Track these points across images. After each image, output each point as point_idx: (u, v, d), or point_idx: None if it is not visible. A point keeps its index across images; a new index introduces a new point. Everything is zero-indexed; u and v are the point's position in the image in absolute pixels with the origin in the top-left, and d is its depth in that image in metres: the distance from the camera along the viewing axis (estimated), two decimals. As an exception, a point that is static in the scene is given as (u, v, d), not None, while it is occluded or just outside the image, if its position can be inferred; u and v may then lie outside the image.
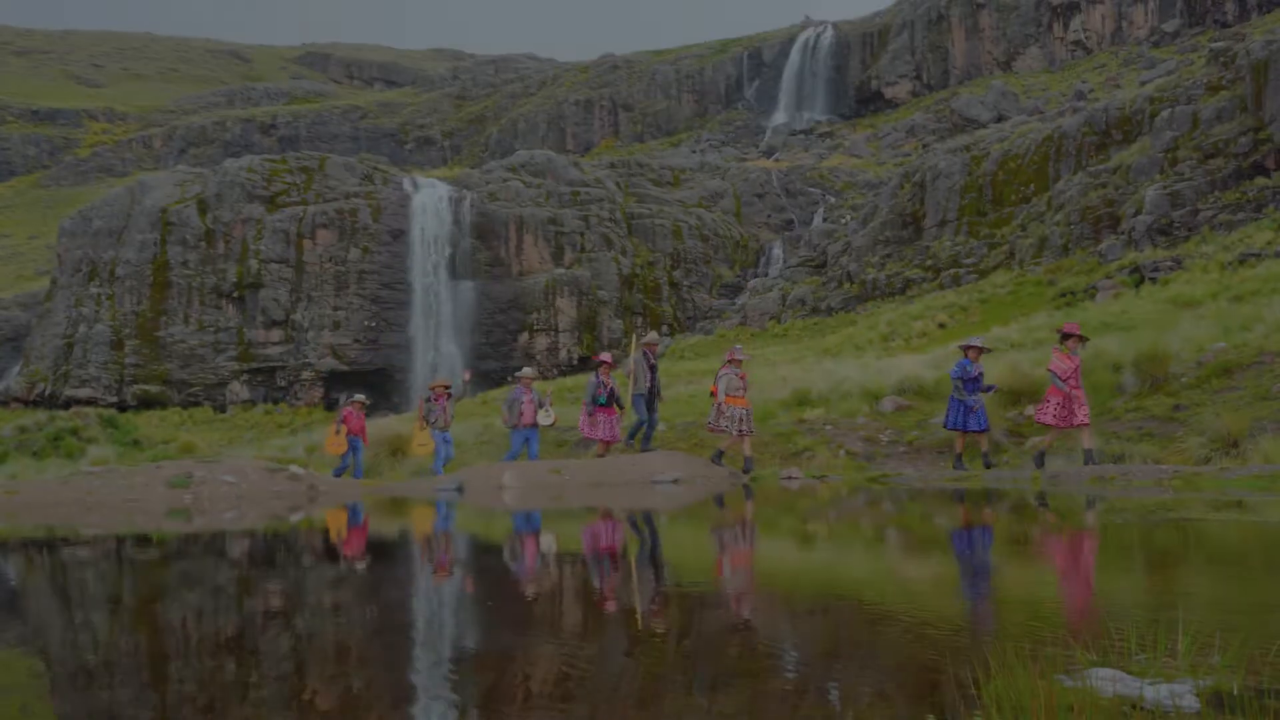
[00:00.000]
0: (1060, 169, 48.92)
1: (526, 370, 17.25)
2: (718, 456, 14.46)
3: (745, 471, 13.95)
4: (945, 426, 13.50)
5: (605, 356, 16.20)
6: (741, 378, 14.71)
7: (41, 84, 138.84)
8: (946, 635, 3.45)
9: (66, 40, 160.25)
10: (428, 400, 17.56)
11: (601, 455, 15.67)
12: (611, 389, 15.47)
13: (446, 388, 17.72)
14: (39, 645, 3.87)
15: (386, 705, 2.87)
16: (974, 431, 12.99)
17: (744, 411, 14.41)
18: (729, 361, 14.95)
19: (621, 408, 15.66)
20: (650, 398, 15.45)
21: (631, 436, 15.62)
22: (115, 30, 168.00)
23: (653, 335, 16.72)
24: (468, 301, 59.46)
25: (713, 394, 14.94)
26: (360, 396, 19.11)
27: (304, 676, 3.22)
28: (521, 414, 15.92)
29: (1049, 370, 12.30)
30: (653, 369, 15.60)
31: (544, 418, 16.16)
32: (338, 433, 17.83)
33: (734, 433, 14.27)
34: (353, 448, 18.02)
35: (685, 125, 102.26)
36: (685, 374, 32.85)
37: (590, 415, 15.42)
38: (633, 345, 15.89)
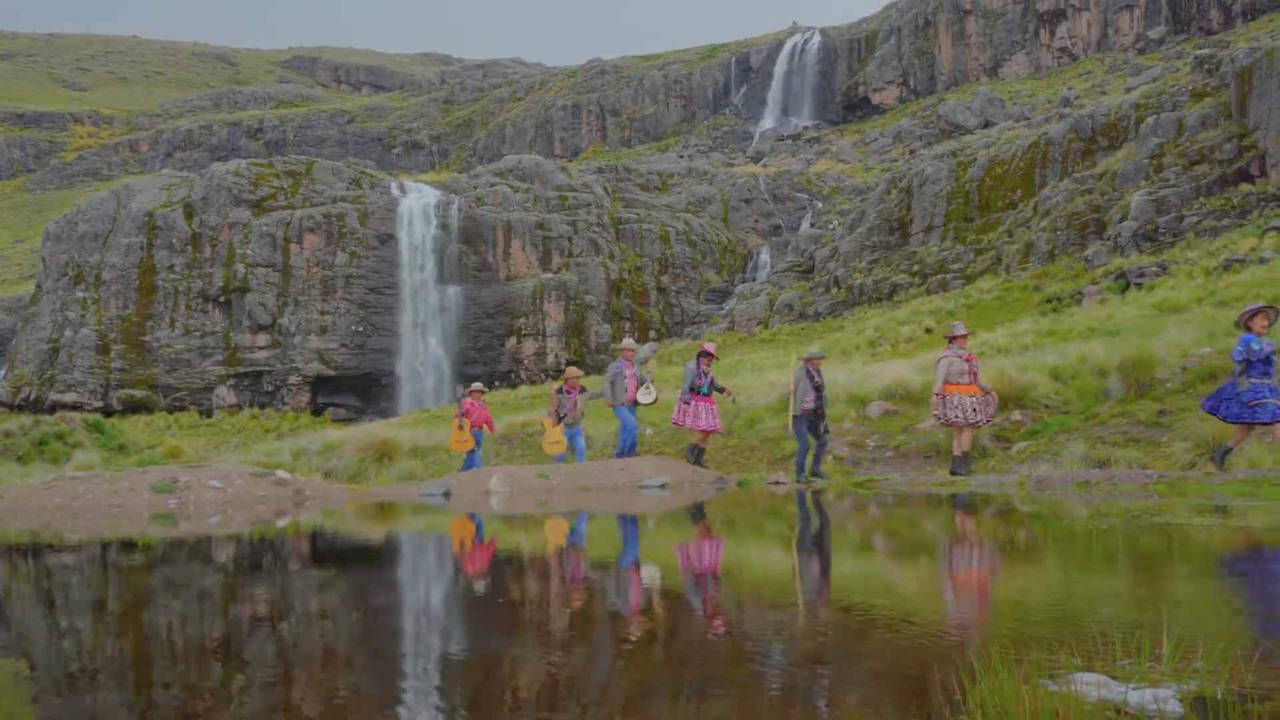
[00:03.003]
0: (1046, 175, 49.20)
1: (628, 341, 15.93)
2: (960, 462, 12.67)
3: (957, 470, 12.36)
4: (1226, 420, 10.79)
5: (709, 347, 14.85)
6: (968, 360, 12.86)
7: (27, 87, 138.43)
8: (929, 640, 3.45)
9: (52, 44, 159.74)
10: (559, 392, 15.93)
11: (700, 445, 14.64)
12: (712, 379, 14.53)
13: (579, 378, 16.25)
14: (23, 651, 3.84)
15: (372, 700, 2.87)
16: (1265, 423, 10.31)
17: (973, 400, 12.68)
18: (950, 340, 13.13)
19: (720, 391, 14.62)
20: (815, 419, 13.84)
21: (801, 469, 13.70)
22: (101, 34, 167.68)
23: (816, 349, 15.32)
24: (455, 306, 59.43)
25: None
26: (479, 385, 17.39)
27: (285, 679, 3.21)
28: (626, 390, 14.96)
29: None
30: (818, 389, 13.89)
31: (644, 396, 15.06)
32: (461, 428, 16.18)
33: (961, 421, 12.67)
34: (477, 443, 16.41)
35: (673, 130, 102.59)
36: (675, 379, 32.82)
37: (687, 404, 14.38)
38: (793, 362, 14.60)
